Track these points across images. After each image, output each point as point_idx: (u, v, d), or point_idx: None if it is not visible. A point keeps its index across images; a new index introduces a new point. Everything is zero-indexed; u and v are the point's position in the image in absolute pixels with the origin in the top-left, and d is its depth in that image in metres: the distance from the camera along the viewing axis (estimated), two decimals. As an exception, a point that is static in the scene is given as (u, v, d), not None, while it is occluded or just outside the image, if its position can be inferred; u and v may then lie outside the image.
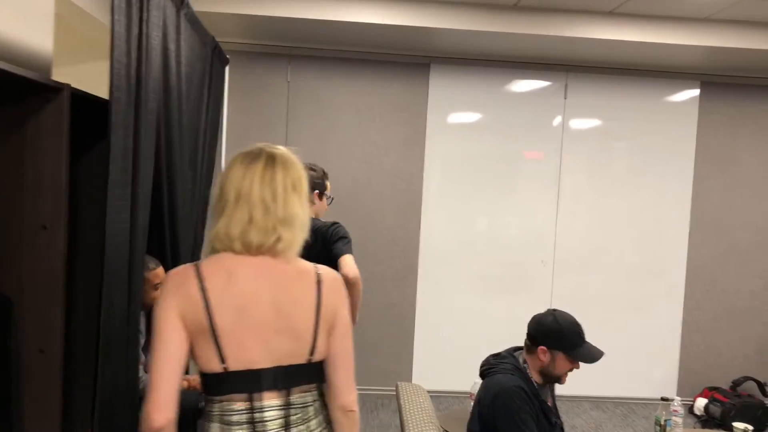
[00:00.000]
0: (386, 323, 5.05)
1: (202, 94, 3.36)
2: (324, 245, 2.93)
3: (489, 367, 2.45)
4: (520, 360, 2.43)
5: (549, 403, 2.46)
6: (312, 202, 3.08)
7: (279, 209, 1.54)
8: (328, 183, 3.21)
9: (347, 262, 2.84)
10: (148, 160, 2.29)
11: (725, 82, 5.10)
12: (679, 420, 3.44)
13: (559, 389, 5.09)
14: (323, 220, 3.09)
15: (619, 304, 5.15)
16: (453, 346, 5.03)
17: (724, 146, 5.16)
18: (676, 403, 3.46)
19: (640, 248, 5.14)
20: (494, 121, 5.03)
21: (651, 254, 5.15)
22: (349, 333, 1.64)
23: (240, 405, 1.52)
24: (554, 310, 2.45)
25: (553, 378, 2.42)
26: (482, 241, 5.05)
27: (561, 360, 2.38)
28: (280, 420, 1.54)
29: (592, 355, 2.36)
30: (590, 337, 5.21)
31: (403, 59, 4.94)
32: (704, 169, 5.15)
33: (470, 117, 5.04)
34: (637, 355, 5.17)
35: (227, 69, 4.58)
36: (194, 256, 3.40)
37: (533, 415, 2.27)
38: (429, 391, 3.10)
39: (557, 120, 5.05)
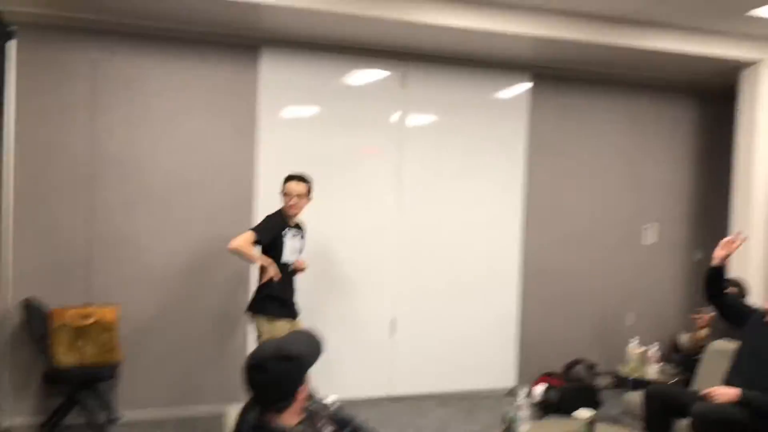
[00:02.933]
0: (218, 335, 4.55)
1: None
2: None
3: None
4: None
5: None
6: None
7: None
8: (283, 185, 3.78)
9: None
10: None
11: (555, 74, 5.25)
12: (526, 413, 3.37)
13: (403, 388, 4.97)
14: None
15: (459, 297, 5.10)
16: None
17: (554, 137, 5.32)
18: (521, 398, 3.39)
19: (478, 240, 5.14)
20: (332, 113, 4.73)
21: (488, 245, 5.17)
22: None
23: None
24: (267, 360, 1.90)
25: None
26: (324, 240, 4.72)
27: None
28: None
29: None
30: (432, 330, 5.07)
31: (230, 40, 4.47)
32: (536, 160, 5.26)
33: (307, 108, 4.69)
34: (478, 346, 5.17)
35: (13, 44, 3.86)
36: None
37: None
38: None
39: (396, 112, 4.87)
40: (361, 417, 4.51)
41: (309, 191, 3.88)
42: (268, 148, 4.60)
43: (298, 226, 3.94)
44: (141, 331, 4.37)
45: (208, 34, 4.39)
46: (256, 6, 3.79)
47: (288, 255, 3.84)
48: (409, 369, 4.97)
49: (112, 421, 4.24)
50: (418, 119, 4.94)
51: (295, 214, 3.87)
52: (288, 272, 3.86)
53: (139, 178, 4.35)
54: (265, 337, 3.73)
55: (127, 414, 4.32)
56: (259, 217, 4.56)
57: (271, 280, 3.71)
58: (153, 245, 4.39)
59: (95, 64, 4.22)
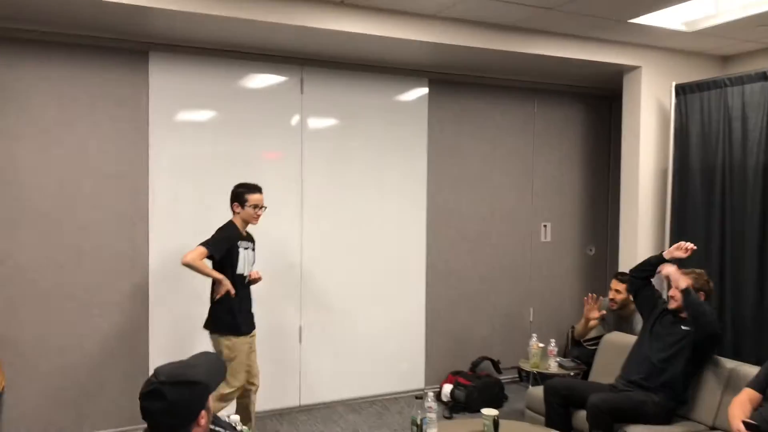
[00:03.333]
0: (114, 356, 4.30)
1: None
2: None
3: None
4: None
5: None
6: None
7: None
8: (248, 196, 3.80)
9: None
10: None
11: (451, 80, 5.36)
12: (434, 416, 3.41)
13: (312, 397, 4.90)
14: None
15: (366, 301, 5.10)
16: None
17: (451, 141, 5.43)
18: (429, 399, 3.42)
19: (383, 244, 5.15)
20: (229, 119, 4.59)
21: (394, 249, 5.20)
22: None
23: None
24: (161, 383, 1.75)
25: None
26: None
27: None
28: None
29: None
30: (340, 336, 5.04)
31: (117, 44, 4.23)
32: (436, 163, 5.35)
33: (203, 113, 4.53)
34: (387, 349, 5.18)
35: None
36: None
37: None
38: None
39: (295, 117, 4.80)
40: (271, 429, 4.44)
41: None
42: (162, 155, 4.40)
43: (249, 237, 3.94)
44: (26, 355, 4.06)
45: (93, 39, 4.14)
46: (144, 9, 3.61)
47: (243, 267, 3.81)
48: (318, 377, 4.91)
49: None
50: (318, 123, 4.89)
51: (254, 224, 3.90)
52: (244, 285, 3.84)
53: (21, 195, 4.03)
54: (226, 354, 3.69)
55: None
56: (155, 229, 4.38)
57: (228, 294, 3.66)
58: (38, 264, 4.08)
59: (-36, 70, 3.88)
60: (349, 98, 4.97)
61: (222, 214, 3.88)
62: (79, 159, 4.18)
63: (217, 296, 3.69)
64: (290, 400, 4.81)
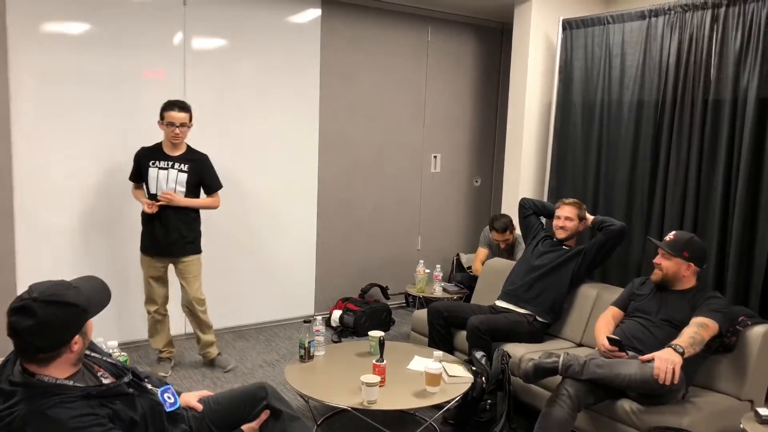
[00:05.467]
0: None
1: None
2: None
3: None
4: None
5: None
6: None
7: None
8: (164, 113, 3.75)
9: None
10: None
11: (344, 1, 5.18)
12: (322, 339, 3.45)
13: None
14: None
15: (256, 229, 5.00)
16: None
17: (344, 67, 5.30)
18: (317, 323, 3.46)
19: (274, 170, 5.03)
20: (103, 32, 4.20)
21: (285, 175, 5.09)
22: None
23: None
24: None
25: None
26: (97, 173, 4.29)
27: None
28: None
29: None
30: (231, 264, 4.96)
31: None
32: (328, 89, 5.23)
33: (71, 24, 4.11)
34: (277, 278, 5.15)
35: None
36: None
37: None
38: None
39: (178, 34, 4.48)
40: (152, 359, 4.33)
41: (191, 119, 3.85)
42: (23, 67, 3.98)
43: (175, 157, 3.84)
44: None
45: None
46: None
47: (153, 186, 3.80)
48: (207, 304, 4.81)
49: None
50: (203, 42, 4.60)
51: (178, 144, 3.86)
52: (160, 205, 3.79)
53: None
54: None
55: None
56: (18, 145, 4.00)
57: (143, 213, 3.82)
58: None
59: None
60: (238, 13, 4.68)
61: (91, 134, 3.61)
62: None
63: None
64: (176, 328, 4.69)
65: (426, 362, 3.09)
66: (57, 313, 1.67)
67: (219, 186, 4.02)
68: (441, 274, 4.99)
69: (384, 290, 5.53)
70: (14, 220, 4.06)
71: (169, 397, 2.06)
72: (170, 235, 3.83)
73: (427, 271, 4.99)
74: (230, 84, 4.75)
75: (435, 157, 5.95)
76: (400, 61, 5.60)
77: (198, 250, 4.01)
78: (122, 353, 2.78)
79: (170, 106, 3.76)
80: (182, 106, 3.78)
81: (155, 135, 3.94)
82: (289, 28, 4.96)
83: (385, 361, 3.04)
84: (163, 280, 3.98)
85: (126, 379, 1.91)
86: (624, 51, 4.45)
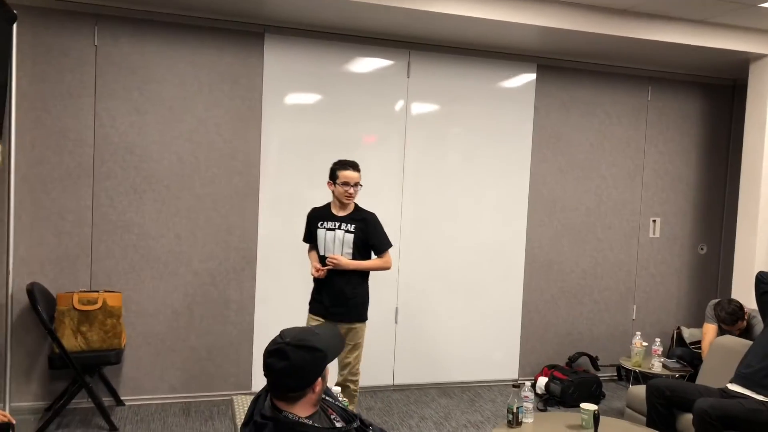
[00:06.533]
0: (222, 322, 4.53)
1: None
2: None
3: None
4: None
5: None
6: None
7: None
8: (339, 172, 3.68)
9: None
10: None
11: (559, 65, 5.21)
12: (530, 405, 3.37)
13: (405, 378, 4.98)
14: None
15: (462, 289, 5.08)
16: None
17: (557, 129, 5.28)
18: (526, 389, 3.39)
19: (483, 231, 5.11)
20: (336, 102, 4.69)
21: (492, 237, 5.14)
22: None
23: None
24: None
25: None
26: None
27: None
28: None
29: None
30: (435, 320, 5.03)
31: (233, 26, 4.42)
32: (540, 152, 5.23)
33: (310, 96, 4.65)
34: (481, 338, 5.15)
35: (14, 27, 3.80)
36: None
37: None
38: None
39: (400, 102, 4.83)
40: (365, 405, 4.54)
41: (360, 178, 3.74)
42: (273, 134, 4.57)
43: (342, 218, 3.71)
44: (144, 316, 4.36)
45: (211, 20, 4.35)
46: (262, -8, 3.75)
47: (322, 248, 3.72)
48: (412, 358, 4.96)
49: (117, 405, 4.28)
50: (422, 108, 4.90)
51: (347, 205, 3.73)
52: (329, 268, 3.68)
53: (144, 166, 4.32)
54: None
55: (132, 399, 4.34)
56: (264, 204, 4.56)
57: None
58: (158, 233, 4.37)
59: (98, 50, 4.18)
60: (455, 82, 4.94)
61: (322, 193, 3.97)
62: (197, 135, 4.41)
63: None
64: (384, 379, 4.89)
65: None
66: (306, 357, 1.85)
67: (388, 245, 3.76)
68: (661, 349, 4.60)
69: (594, 360, 5.24)
70: (256, 274, 4.58)
71: None
72: (336, 299, 3.68)
73: (645, 344, 4.64)
74: (444, 147, 4.97)
75: (654, 221, 5.59)
76: (616, 121, 5.43)
77: (362, 318, 3.76)
78: (344, 399, 2.96)
79: (344, 165, 3.66)
80: (355, 166, 3.69)
81: (374, 196, 4.23)
82: (504, 93, 5.09)
83: (600, 437, 2.87)
84: None
85: (355, 425, 2.04)
86: None
